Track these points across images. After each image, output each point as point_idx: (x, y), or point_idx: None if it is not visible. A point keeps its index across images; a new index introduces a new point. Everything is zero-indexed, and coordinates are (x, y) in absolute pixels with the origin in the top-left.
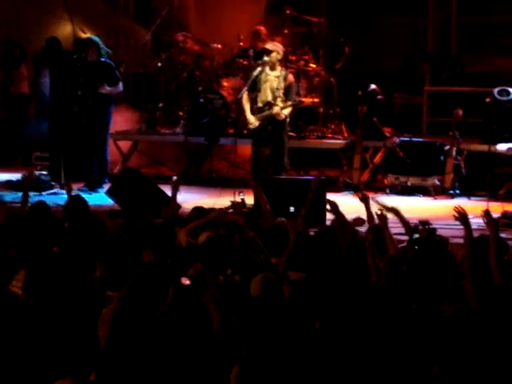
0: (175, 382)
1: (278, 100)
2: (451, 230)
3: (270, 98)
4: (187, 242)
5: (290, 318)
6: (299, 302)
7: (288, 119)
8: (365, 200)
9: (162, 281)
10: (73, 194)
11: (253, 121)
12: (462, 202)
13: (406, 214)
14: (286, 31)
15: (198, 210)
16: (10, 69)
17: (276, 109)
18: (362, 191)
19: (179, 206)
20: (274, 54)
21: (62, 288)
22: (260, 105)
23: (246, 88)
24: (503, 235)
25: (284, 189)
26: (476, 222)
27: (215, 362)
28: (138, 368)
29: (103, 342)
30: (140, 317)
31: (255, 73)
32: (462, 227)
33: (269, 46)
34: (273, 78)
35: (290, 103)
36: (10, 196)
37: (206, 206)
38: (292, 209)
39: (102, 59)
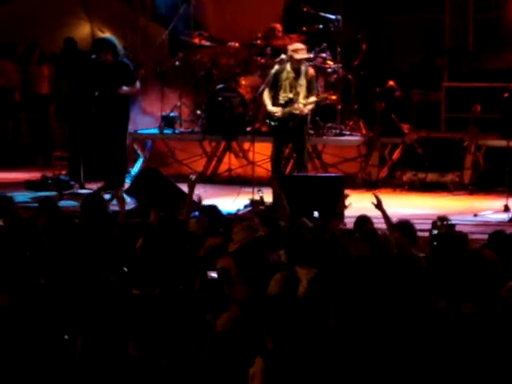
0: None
1: (301, 96)
2: (470, 226)
3: (291, 94)
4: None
5: (308, 314)
6: (316, 298)
7: (309, 116)
8: (380, 206)
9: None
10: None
11: (276, 110)
12: (481, 198)
13: (424, 210)
14: (303, 28)
15: (209, 208)
16: (30, 69)
17: (298, 106)
18: (376, 196)
19: (197, 205)
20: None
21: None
22: (282, 102)
23: (263, 86)
24: None
25: (305, 186)
26: (495, 217)
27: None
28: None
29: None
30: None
31: (273, 71)
32: (481, 222)
33: (300, 55)
34: (293, 75)
35: (312, 100)
36: (26, 196)
37: (224, 205)
38: (316, 214)
39: (119, 59)
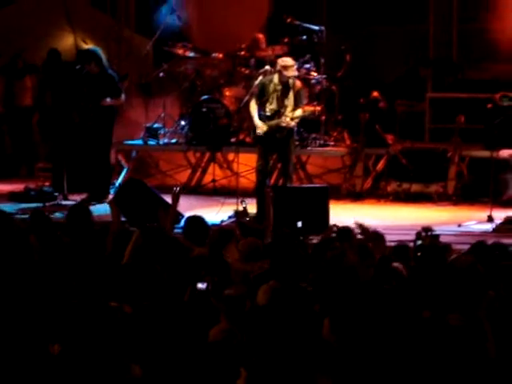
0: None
1: (288, 109)
2: (454, 236)
3: (278, 107)
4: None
5: (299, 324)
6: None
7: (296, 128)
8: (363, 231)
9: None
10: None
11: (261, 125)
12: (465, 209)
13: (408, 221)
14: (286, 40)
15: (192, 219)
16: (13, 81)
17: (285, 119)
18: (359, 224)
19: (182, 216)
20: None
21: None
22: (268, 114)
23: (248, 97)
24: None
25: (290, 197)
26: (479, 228)
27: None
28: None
29: None
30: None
31: (257, 82)
32: (465, 233)
33: (290, 73)
34: (281, 87)
35: (299, 114)
36: (10, 208)
37: (208, 216)
38: (299, 224)
39: (105, 70)
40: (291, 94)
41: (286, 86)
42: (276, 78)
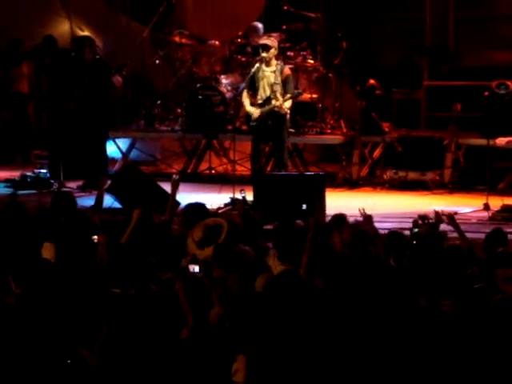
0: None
1: (277, 94)
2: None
3: (268, 93)
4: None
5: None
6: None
7: (289, 115)
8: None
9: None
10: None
11: (253, 110)
12: (461, 197)
13: (405, 209)
14: (283, 27)
15: (190, 207)
16: (10, 67)
17: (277, 102)
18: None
19: (178, 204)
20: (272, 50)
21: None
22: (260, 102)
23: (244, 86)
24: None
25: (285, 185)
26: (475, 216)
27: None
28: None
29: None
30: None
31: (253, 69)
32: (461, 221)
33: (267, 41)
34: (269, 74)
35: (289, 96)
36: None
37: (205, 203)
38: (304, 206)
39: (97, 57)
40: (279, 80)
41: (274, 72)
42: (263, 64)
